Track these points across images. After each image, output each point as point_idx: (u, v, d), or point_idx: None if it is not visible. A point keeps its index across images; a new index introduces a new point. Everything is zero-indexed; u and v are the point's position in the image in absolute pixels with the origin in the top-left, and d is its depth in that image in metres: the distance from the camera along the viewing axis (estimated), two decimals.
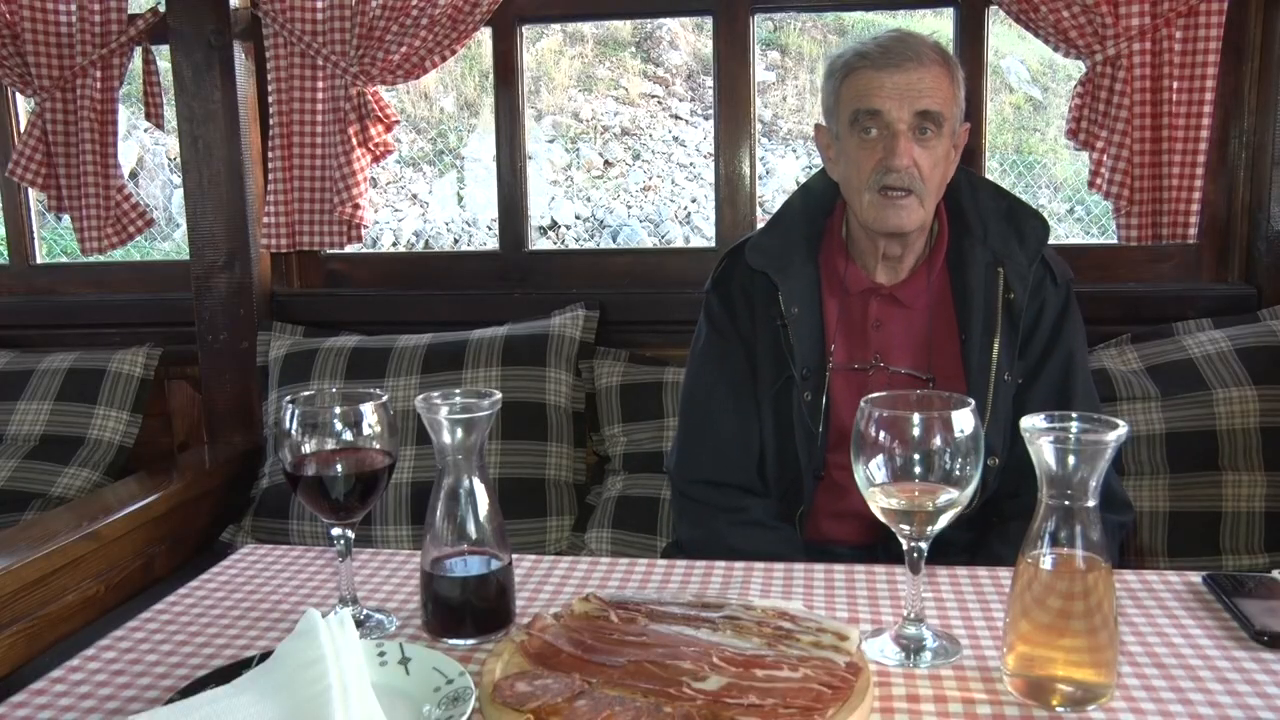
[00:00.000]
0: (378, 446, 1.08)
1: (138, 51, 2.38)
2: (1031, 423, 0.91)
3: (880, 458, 0.96)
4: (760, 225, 1.74)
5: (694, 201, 6.62)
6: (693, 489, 1.57)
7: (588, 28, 6.83)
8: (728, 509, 1.53)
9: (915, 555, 1.01)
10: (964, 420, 0.95)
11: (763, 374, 1.55)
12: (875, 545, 1.50)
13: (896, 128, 1.42)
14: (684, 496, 1.59)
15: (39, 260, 2.67)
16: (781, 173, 6.52)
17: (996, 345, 1.47)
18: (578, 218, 6.61)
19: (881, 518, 1.00)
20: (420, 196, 6.77)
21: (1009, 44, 6.53)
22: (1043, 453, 0.90)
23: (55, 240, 5.93)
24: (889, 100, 1.41)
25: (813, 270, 1.55)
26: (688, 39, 7.07)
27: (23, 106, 2.59)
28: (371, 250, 5.09)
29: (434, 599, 1.07)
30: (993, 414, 1.46)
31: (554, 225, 6.55)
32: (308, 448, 1.07)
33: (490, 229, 6.47)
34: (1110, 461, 0.90)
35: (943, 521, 0.98)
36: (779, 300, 1.52)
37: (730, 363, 1.57)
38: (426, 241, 6.62)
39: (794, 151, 6.59)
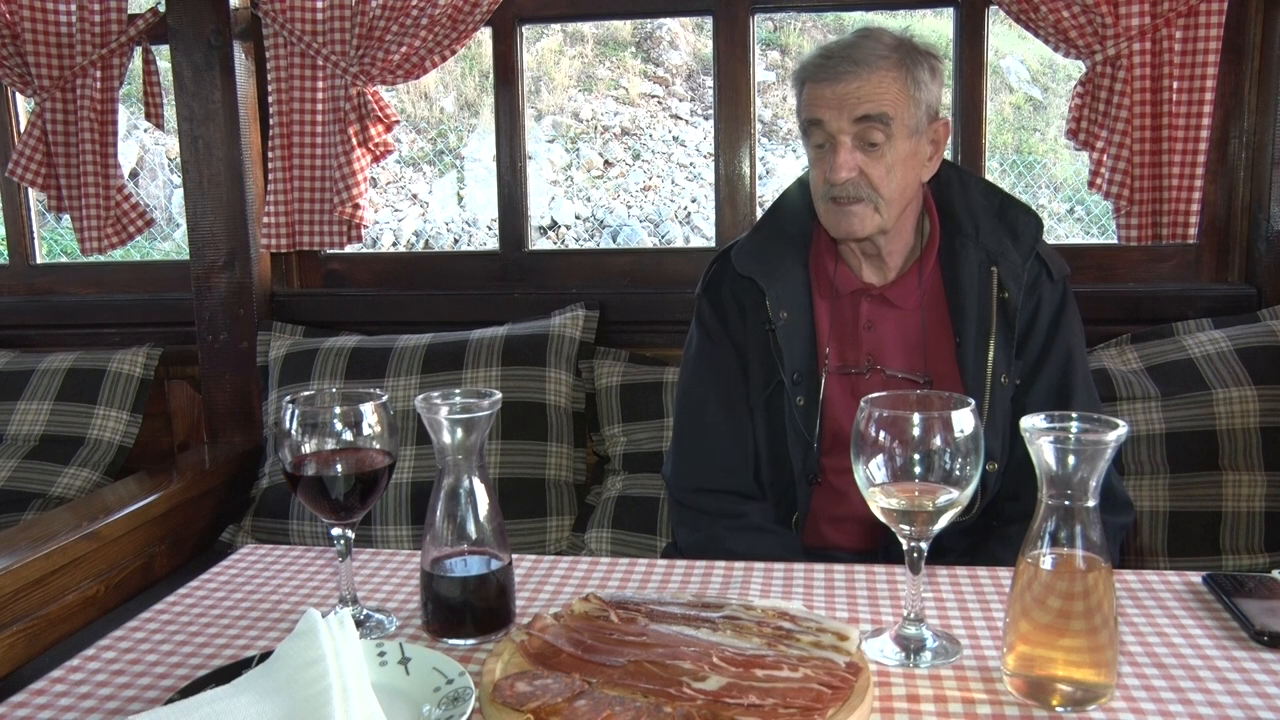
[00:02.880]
0: (378, 446, 1.08)
1: (138, 51, 2.38)
2: (1031, 423, 0.91)
3: (880, 458, 0.96)
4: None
5: (694, 201, 6.62)
6: (690, 497, 1.56)
7: (588, 28, 6.83)
8: (725, 514, 1.52)
9: (915, 555, 1.00)
10: (964, 420, 0.95)
11: (754, 378, 1.54)
12: (875, 551, 1.49)
13: (838, 138, 1.41)
14: (681, 505, 1.58)
15: (39, 260, 2.67)
16: (781, 173, 6.52)
17: (992, 347, 1.46)
18: (578, 218, 6.61)
19: (882, 518, 1.00)
20: (420, 196, 6.78)
21: (1009, 44, 6.54)
22: (1043, 453, 0.90)
23: (55, 240, 5.93)
24: (829, 110, 1.41)
25: (801, 272, 1.54)
26: (688, 39, 7.07)
27: (23, 106, 2.59)
28: (371, 250, 5.09)
29: (434, 599, 1.07)
30: (990, 418, 1.44)
31: (554, 225, 6.55)
32: (308, 448, 1.07)
33: (490, 229, 6.47)
34: (1110, 461, 0.90)
35: (943, 521, 0.98)
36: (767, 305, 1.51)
37: (723, 368, 1.56)
38: (426, 241, 6.62)
39: (794, 151, 6.59)
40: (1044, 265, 1.50)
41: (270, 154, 2.32)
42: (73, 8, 2.32)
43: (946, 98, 1.52)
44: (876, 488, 0.98)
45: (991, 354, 1.46)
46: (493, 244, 2.87)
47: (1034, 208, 1.54)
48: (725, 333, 1.57)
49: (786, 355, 1.49)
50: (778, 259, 1.54)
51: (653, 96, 7.00)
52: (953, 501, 0.96)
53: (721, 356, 1.57)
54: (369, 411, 1.08)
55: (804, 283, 1.53)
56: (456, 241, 6.61)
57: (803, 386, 1.49)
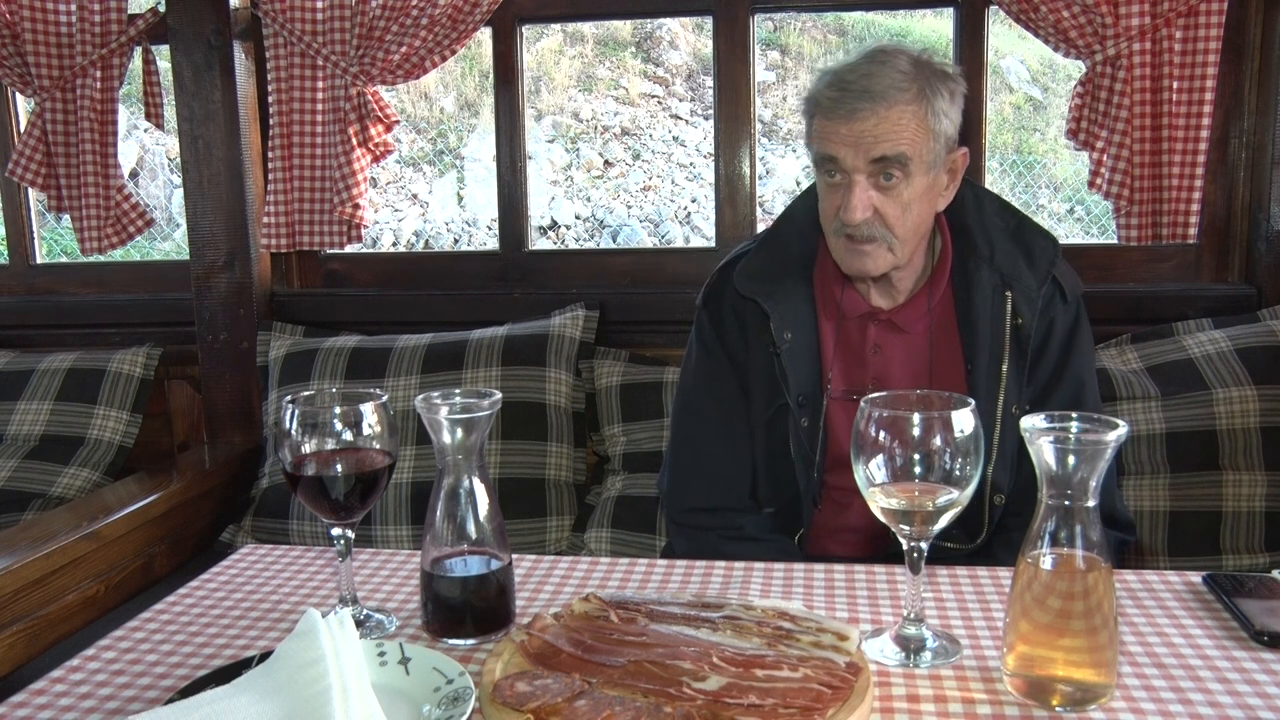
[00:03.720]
0: (378, 446, 1.08)
1: (138, 51, 2.38)
2: (1032, 423, 0.91)
3: (880, 458, 0.96)
4: (759, 231, 1.69)
5: (694, 201, 6.62)
6: (686, 516, 1.54)
7: (588, 28, 6.83)
8: (721, 528, 1.51)
9: (915, 555, 1.00)
10: (964, 420, 0.95)
11: (756, 399, 1.50)
12: (874, 560, 1.48)
13: (853, 176, 1.35)
14: (678, 525, 1.57)
15: (39, 260, 2.67)
16: (781, 173, 6.52)
17: (1004, 375, 1.41)
18: (578, 218, 6.61)
19: (882, 518, 0.99)
20: (420, 196, 6.78)
21: (1009, 44, 6.54)
22: (1043, 453, 0.90)
23: (55, 240, 5.93)
24: (844, 148, 1.34)
25: (806, 291, 1.49)
26: (688, 39, 7.07)
27: (23, 106, 2.59)
28: (371, 250, 5.10)
29: (434, 599, 1.07)
30: (1000, 450, 1.40)
31: (554, 225, 6.55)
32: (308, 448, 1.07)
33: (490, 229, 6.47)
34: (1110, 463, 0.90)
35: (943, 521, 0.98)
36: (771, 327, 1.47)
37: (720, 384, 1.53)
38: (426, 241, 6.62)
39: (794, 151, 6.59)
40: (1058, 286, 1.44)
41: (270, 154, 2.32)
42: (73, 8, 2.32)
43: None
44: (876, 488, 0.98)
45: (1004, 384, 1.41)
46: (493, 244, 2.87)
47: (1034, 208, 1.52)
48: (723, 348, 1.53)
49: (792, 378, 1.45)
50: (781, 279, 1.49)
51: (653, 96, 7.00)
52: (952, 501, 0.96)
53: (719, 372, 1.53)
54: (369, 411, 1.08)
55: (809, 303, 1.48)
56: (456, 241, 6.61)
57: (807, 408, 1.46)
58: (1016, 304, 1.41)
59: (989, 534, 1.45)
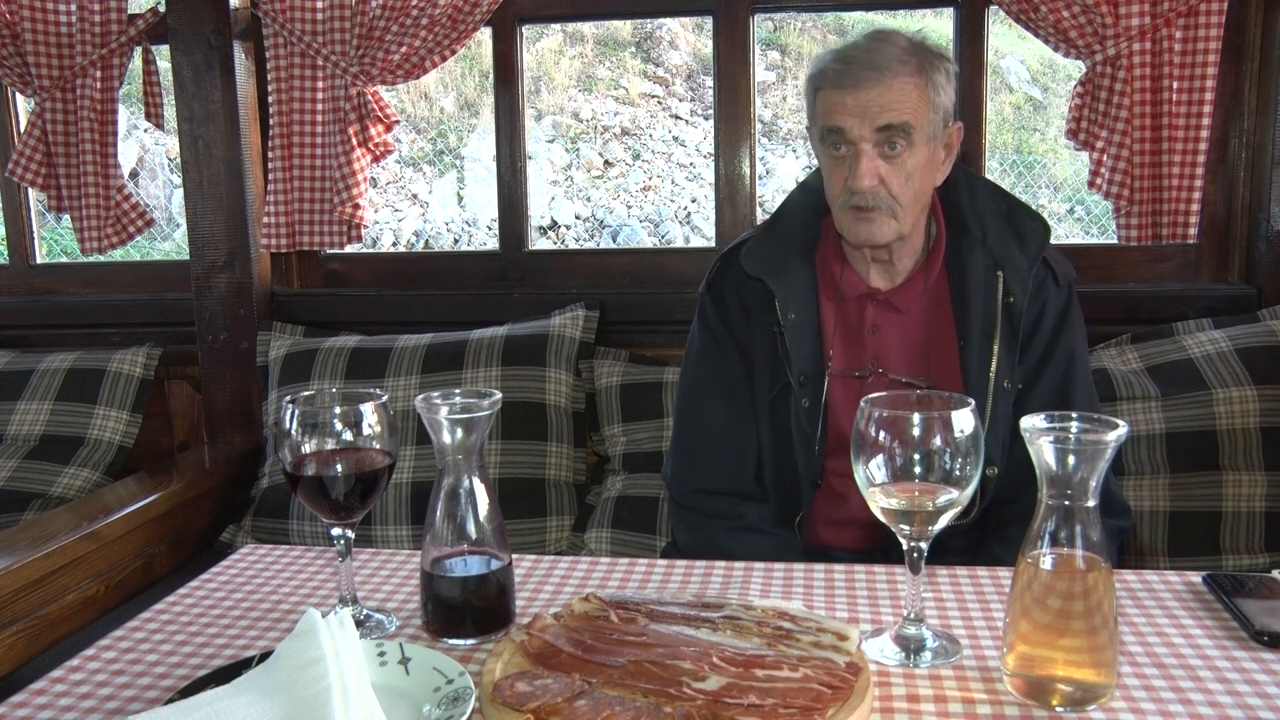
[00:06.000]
0: (378, 446, 1.08)
1: (138, 51, 2.38)
2: (1031, 423, 0.91)
3: (880, 458, 0.96)
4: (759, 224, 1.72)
5: (694, 201, 6.62)
6: (689, 499, 1.56)
7: (588, 28, 6.83)
8: (724, 516, 1.52)
9: (915, 555, 1.00)
10: (964, 420, 0.95)
11: (759, 380, 1.53)
12: (874, 552, 1.48)
13: (860, 146, 1.40)
14: (681, 507, 1.58)
15: (39, 260, 2.67)
16: (781, 173, 6.52)
17: (996, 351, 1.45)
18: (578, 218, 6.61)
19: (881, 518, 0.99)
20: (420, 196, 6.77)
21: (1009, 44, 6.54)
22: (1043, 453, 0.90)
23: (55, 240, 5.93)
24: (850, 118, 1.39)
25: (809, 273, 1.53)
26: (688, 39, 7.07)
27: (23, 106, 2.59)
28: (371, 250, 5.10)
29: (434, 599, 1.07)
30: (991, 423, 1.43)
31: (554, 225, 6.55)
32: (308, 448, 1.07)
33: (490, 229, 6.47)
34: (1110, 462, 0.90)
35: (943, 521, 0.98)
36: (775, 306, 1.50)
37: (724, 368, 1.56)
38: (426, 241, 6.62)
39: (794, 151, 6.59)
40: (1050, 269, 1.49)
41: (270, 154, 2.32)
42: (73, 8, 2.32)
43: None
44: (876, 488, 0.98)
45: (995, 358, 1.45)
46: (493, 244, 2.87)
47: (1035, 208, 1.54)
48: (728, 332, 1.56)
49: (794, 356, 1.48)
50: (785, 260, 1.53)
51: (653, 96, 7.00)
52: (952, 501, 0.96)
53: (723, 355, 1.56)
54: (369, 411, 1.08)
55: (811, 284, 1.53)
56: (456, 241, 6.61)
57: (808, 388, 1.49)
58: (1008, 283, 1.46)
59: (981, 510, 1.47)
